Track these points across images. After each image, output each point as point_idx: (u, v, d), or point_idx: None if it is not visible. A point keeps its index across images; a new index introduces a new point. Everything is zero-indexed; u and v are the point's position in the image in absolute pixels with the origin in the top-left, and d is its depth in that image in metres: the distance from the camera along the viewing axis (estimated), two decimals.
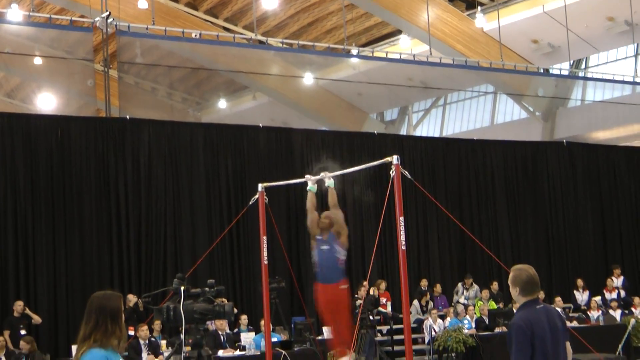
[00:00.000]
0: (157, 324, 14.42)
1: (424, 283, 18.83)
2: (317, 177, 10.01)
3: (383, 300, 18.03)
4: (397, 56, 22.54)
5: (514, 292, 5.71)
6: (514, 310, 16.42)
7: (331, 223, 10.14)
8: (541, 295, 5.55)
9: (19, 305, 14.44)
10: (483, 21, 23.78)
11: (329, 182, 10.07)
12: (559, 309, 12.22)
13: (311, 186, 10.01)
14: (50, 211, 15.63)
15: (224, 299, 12.04)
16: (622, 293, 19.74)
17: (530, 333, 5.48)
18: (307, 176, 10.02)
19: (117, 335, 4.63)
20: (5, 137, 15.51)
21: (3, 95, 24.05)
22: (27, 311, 14.52)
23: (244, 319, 15.75)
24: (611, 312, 18.44)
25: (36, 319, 14.57)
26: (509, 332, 5.64)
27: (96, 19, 17.37)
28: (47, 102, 20.51)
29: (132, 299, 15.16)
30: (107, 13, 17.17)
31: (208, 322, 9.83)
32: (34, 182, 15.60)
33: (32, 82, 22.07)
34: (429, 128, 29.21)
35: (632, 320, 17.00)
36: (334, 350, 10.54)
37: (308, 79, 23.80)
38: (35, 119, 16.38)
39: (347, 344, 10.05)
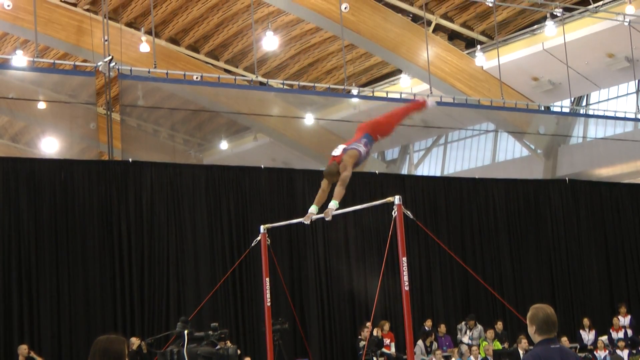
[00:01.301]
0: None
1: (428, 323, 18.72)
2: (319, 215, 9.77)
3: (387, 341, 17.94)
4: (397, 95, 22.62)
5: (531, 330, 5.68)
6: (519, 350, 16.43)
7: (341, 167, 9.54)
8: None
9: (23, 349, 14.42)
10: (483, 59, 23.88)
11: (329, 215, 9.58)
12: None
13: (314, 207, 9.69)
14: (53, 254, 15.62)
15: (227, 342, 12.00)
16: (629, 332, 19.62)
17: None
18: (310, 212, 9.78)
19: None
20: (10, 180, 15.55)
21: (8, 139, 24.14)
22: (32, 354, 14.49)
23: None
24: (618, 351, 18.31)
25: None
26: None
27: (99, 63, 17.52)
28: (50, 145, 20.63)
29: (135, 341, 15.09)
30: (110, 57, 17.31)
31: None
32: (37, 225, 15.62)
33: (36, 126, 22.21)
34: (430, 167, 29.22)
35: None
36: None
37: (309, 119, 23.86)
38: (39, 162, 16.45)
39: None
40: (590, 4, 22.52)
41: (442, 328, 18.93)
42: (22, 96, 19.59)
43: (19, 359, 14.38)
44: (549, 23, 22.63)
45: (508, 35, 24.72)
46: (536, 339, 5.67)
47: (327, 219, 9.57)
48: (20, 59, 19.77)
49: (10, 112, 21.09)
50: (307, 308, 17.98)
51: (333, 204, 9.44)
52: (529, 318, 5.71)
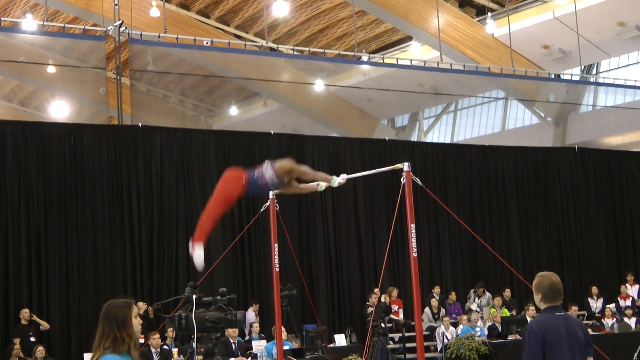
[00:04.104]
0: (170, 331, 14.45)
1: (436, 290, 18.80)
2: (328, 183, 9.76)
3: (395, 307, 18.01)
4: (407, 62, 22.55)
5: (537, 298, 5.75)
6: (527, 318, 16.48)
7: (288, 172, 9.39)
8: None
9: (25, 313, 14.49)
10: (493, 27, 23.77)
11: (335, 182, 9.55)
12: None
13: (322, 185, 9.65)
14: (62, 218, 15.69)
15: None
16: (637, 300, 19.67)
17: (542, 337, 5.50)
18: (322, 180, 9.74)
19: (127, 342, 4.68)
20: (19, 144, 15.60)
21: (17, 103, 24.12)
22: (35, 318, 14.58)
23: (255, 326, 15.78)
24: (626, 319, 18.36)
25: (44, 325, 14.63)
26: (523, 335, 5.68)
27: (109, 27, 17.49)
28: (60, 110, 20.59)
29: (142, 306, 15.14)
30: (120, 22, 17.28)
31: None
32: (47, 189, 15.67)
33: (45, 90, 22.15)
34: (439, 134, 29.17)
35: None
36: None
37: (319, 85, 23.81)
38: (49, 126, 16.46)
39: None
40: None
41: (453, 295, 18.98)
42: (31, 60, 19.54)
43: (21, 322, 14.48)
44: None
45: (519, 3, 24.59)
46: (542, 306, 5.73)
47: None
48: (30, 22, 19.71)
49: (19, 76, 21.05)
50: (315, 274, 18.06)
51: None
52: (534, 286, 5.76)
